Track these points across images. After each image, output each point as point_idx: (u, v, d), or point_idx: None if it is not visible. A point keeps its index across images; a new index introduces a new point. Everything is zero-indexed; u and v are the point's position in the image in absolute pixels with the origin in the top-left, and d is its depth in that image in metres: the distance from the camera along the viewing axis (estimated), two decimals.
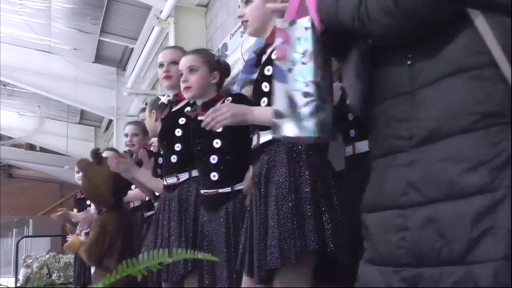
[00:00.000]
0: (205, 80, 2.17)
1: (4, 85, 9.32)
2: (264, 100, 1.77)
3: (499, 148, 0.97)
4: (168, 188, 2.47)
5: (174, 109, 2.48)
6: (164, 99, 2.77)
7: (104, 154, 3.65)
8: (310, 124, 1.12)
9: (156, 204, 2.83)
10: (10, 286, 8.31)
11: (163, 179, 2.49)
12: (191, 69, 2.17)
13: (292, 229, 1.59)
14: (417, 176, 1.05)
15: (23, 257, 8.01)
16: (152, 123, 2.80)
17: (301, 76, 1.14)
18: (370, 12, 1.05)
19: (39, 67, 8.41)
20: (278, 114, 1.17)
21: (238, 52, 4.37)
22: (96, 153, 3.00)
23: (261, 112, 1.73)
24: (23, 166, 13.24)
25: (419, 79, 1.07)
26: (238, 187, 2.07)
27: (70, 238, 3.39)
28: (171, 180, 2.42)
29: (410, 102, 1.08)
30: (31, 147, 12.96)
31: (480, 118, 0.99)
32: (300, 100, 1.14)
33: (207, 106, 2.13)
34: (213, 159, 2.11)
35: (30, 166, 12.83)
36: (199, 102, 2.24)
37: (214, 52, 2.25)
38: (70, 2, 6.82)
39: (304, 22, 1.17)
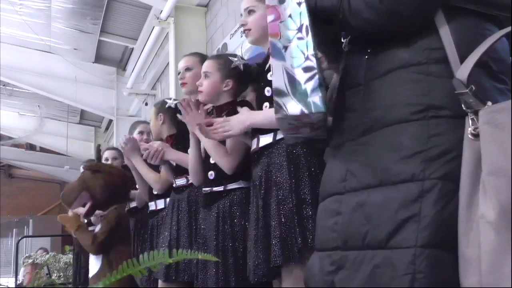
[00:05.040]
0: (215, 87, 2.19)
1: (4, 85, 9.31)
2: (266, 104, 1.83)
3: (435, 140, 0.99)
4: (177, 189, 2.55)
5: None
6: (171, 103, 2.79)
7: (106, 154, 3.65)
8: (316, 99, 1.07)
9: (150, 203, 2.90)
10: (10, 286, 8.31)
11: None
12: (205, 75, 2.22)
13: (293, 228, 1.64)
14: (357, 163, 1.08)
15: (23, 257, 8.00)
16: (158, 125, 2.81)
17: (300, 52, 1.10)
18: (352, 5, 1.08)
19: (39, 67, 8.40)
20: (279, 92, 1.12)
21: (238, 52, 4.37)
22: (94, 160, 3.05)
23: (261, 116, 1.80)
24: (23, 166, 13.22)
25: (372, 72, 1.11)
26: (231, 186, 2.10)
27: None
28: (181, 181, 2.50)
29: (362, 93, 1.11)
30: (31, 147, 12.95)
31: (419, 109, 1.02)
32: (301, 76, 1.09)
33: (219, 110, 2.21)
34: (212, 159, 2.15)
35: (30, 166, 12.82)
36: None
37: (234, 59, 2.24)
38: (70, 2, 6.81)
39: None
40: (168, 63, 6.03)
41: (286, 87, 1.11)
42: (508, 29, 1.00)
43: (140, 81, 7.90)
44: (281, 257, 1.63)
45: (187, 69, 2.56)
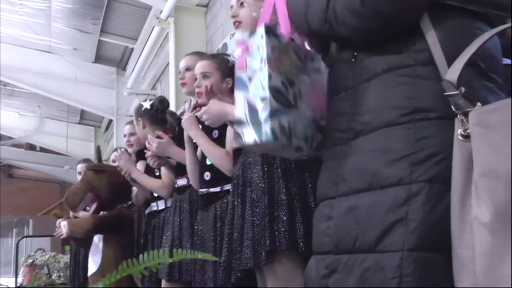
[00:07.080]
0: (217, 86, 2.16)
1: (4, 85, 9.32)
2: None
3: (422, 143, 0.99)
4: (179, 190, 2.55)
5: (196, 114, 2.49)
6: (146, 104, 2.81)
7: (113, 155, 3.67)
8: (267, 129, 1.10)
9: (153, 204, 2.90)
10: (10, 286, 8.32)
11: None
12: (204, 75, 2.19)
13: (263, 230, 1.64)
14: (348, 167, 1.08)
15: (23, 257, 8.00)
16: (142, 131, 2.82)
17: (259, 82, 1.13)
18: (338, 15, 1.07)
19: (39, 67, 8.41)
20: (239, 122, 1.16)
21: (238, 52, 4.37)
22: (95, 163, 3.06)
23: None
24: (23, 166, 13.24)
25: (360, 75, 1.11)
26: (227, 187, 2.09)
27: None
28: (182, 181, 2.50)
29: (352, 97, 1.12)
30: (31, 147, 12.96)
31: (407, 112, 1.01)
32: (259, 105, 1.12)
33: None
34: (208, 160, 2.16)
35: (30, 166, 12.83)
36: None
37: (230, 58, 2.24)
38: (70, 2, 6.82)
39: (260, 30, 1.16)
40: (168, 63, 6.03)
41: (246, 116, 1.14)
42: (498, 28, 0.98)
43: (140, 81, 7.90)
44: (252, 259, 1.64)
45: (188, 69, 2.54)
